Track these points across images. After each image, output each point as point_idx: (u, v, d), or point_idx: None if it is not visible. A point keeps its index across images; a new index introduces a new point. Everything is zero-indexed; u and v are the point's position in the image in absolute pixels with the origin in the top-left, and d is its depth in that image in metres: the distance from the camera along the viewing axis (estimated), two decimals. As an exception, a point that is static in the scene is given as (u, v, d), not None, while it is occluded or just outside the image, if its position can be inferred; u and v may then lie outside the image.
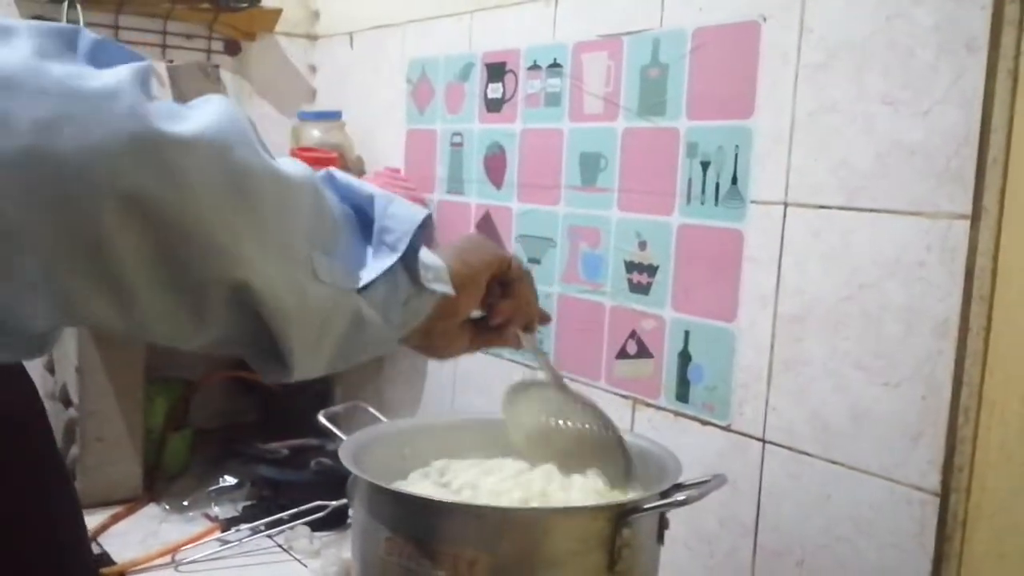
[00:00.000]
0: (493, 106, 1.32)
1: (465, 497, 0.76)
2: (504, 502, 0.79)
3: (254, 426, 1.56)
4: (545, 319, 0.83)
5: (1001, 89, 0.79)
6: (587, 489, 0.82)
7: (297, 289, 0.50)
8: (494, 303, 0.74)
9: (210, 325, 0.48)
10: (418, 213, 0.60)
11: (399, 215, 0.59)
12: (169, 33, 1.58)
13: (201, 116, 0.45)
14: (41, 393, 1.28)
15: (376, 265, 0.57)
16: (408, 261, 0.59)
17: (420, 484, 0.85)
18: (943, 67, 0.82)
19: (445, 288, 0.64)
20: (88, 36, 0.44)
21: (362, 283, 0.55)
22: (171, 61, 1.50)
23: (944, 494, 0.83)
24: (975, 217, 0.80)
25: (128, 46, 0.47)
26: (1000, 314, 0.80)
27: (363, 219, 0.59)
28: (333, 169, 0.60)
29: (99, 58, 0.44)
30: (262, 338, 0.50)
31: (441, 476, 0.86)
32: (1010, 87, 0.78)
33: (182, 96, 1.46)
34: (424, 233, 0.60)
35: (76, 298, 0.43)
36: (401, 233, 0.58)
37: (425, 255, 0.62)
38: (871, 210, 0.87)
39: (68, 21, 1.42)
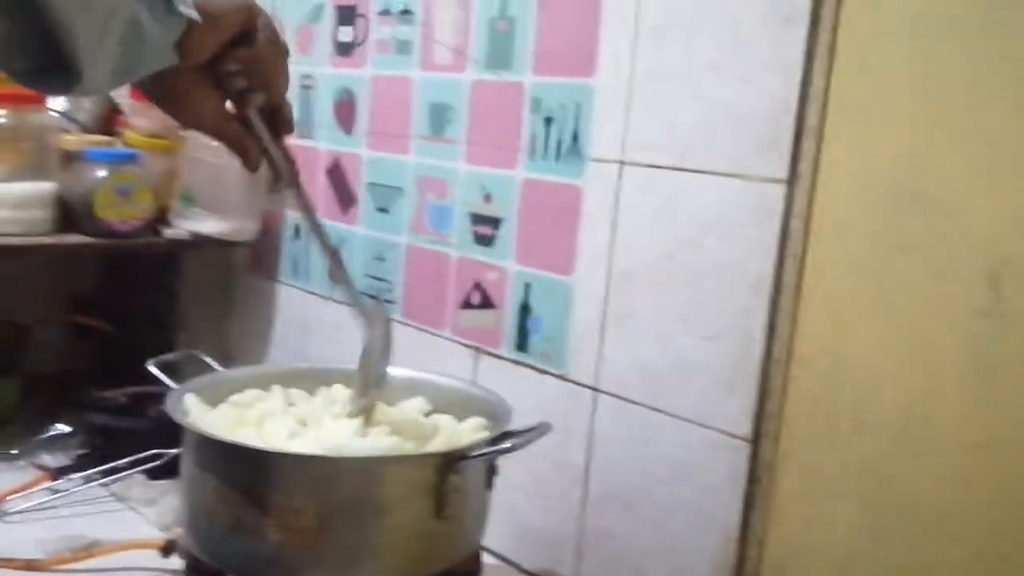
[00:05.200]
0: (343, 50, 1.30)
1: (290, 446, 0.77)
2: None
3: (91, 373, 1.51)
4: (286, 116, 0.75)
5: (819, 61, 0.83)
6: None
7: None
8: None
9: None
10: None
11: None
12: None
13: None
14: None
15: None
16: None
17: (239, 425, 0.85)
18: (766, 37, 0.86)
19: (191, 12, 0.62)
20: None
21: None
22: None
23: (755, 440, 0.89)
24: (791, 181, 0.85)
25: None
26: (810, 273, 0.86)
27: None
28: None
29: None
30: (39, 33, 0.48)
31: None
32: (827, 59, 0.83)
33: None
34: None
35: None
36: None
37: None
38: (696, 171, 0.91)
39: None
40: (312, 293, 1.39)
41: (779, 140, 0.85)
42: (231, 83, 0.70)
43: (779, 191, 0.86)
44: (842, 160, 0.83)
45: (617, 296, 0.99)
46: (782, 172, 0.85)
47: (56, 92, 0.54)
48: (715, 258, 0.90)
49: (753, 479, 0.90)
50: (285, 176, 0.75)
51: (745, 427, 0.89)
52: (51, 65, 0.51)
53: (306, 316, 1.41)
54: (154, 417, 1.23)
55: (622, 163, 0.98)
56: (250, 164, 0.73)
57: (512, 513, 1.09)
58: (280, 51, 0.72)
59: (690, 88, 0.91)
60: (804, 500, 0.87)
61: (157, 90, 0.67)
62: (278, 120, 0.74)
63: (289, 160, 0.76)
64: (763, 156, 0.87)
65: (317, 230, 0.79)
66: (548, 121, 1.05)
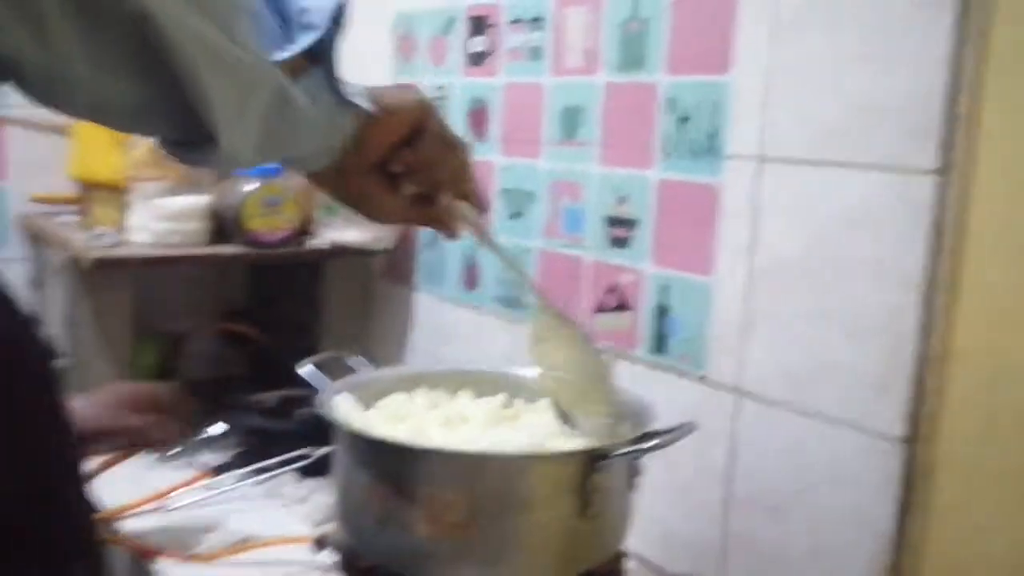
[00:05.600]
0: (476, 60, 1.33)
1: (439, 442, 0.79)
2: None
3: (243, 378, 1.58)
4: (480, 199, 0.73)
5: (971, 46, 0.80)
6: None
7: (213, 45, 0.49)
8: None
9: (123, 73, 0.46)
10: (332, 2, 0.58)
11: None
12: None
13: None
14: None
15: (299, 43, 0.56)
16: (326, 62, 0.57)
17: (394, 426, 0.87)
18: (914, 24, 0.83)
19: (366, 104, 0.61)
20: None
21: (285, 55, 0.54)
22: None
23: (910, 443, 0.86)
24: (943, 172, 0.82)
25: None
26: (968, 268, 0.82)
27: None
28: None
29: None
30: (182, 101, 0.48)
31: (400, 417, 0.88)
32: (980, 43, 0.79)
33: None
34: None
35: None
36: (319, 11, 0.57)
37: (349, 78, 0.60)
38: (841, 164, 0.89)
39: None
40: (446, 299, 1.42)
41: (929, 130, 0.82)
42: (401, 182, 0.69)
43: (930, 183, 0.82)
44: (999, 148, 0.79)
45: (759, 296, 0.97)
46: (933, 163, 0.82)
47: (201, 163, 0.54)
48: (863, 254, 0.88)
49: (908, 483, 0.86)
50: (485, 238, 0.75)
51: (899, 429, 0.86)
52: (195, 136, 0.51)
53: (441, 321, 1.44)
54: (303, 418, 1.28)
55: (761, 159, 0.96)
56: (449, 237, 0.74)
57: (654, 517, 1.08)
58: (451, 149, 0.70)
59: (832, 80, 0.89)
60: (966, 505, 0.83)
61: (339, 190, 0.68)
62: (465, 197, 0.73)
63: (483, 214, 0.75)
64: (912, 147, 0.83)
65: (520, 275, 0.81)
66: (683, 120, 1.04)
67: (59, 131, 1.46)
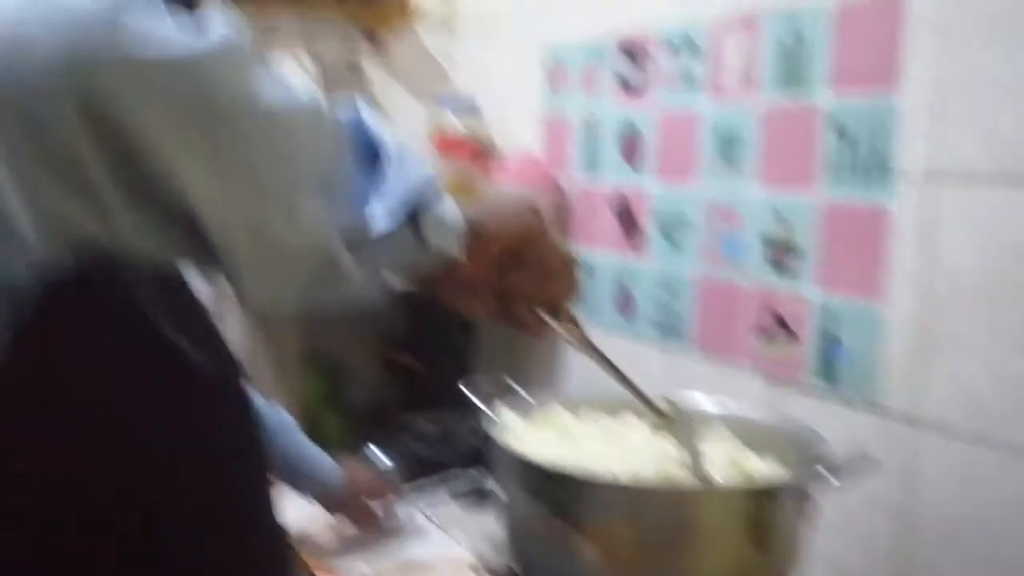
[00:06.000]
0: (628, 87, 1.33)
1: (612, 475, 0.78)
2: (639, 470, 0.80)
3: (402, 403, 1.63)
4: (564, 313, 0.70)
5: None
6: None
7: (258, 228, 0.50)
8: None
9: (175, 244, 0.49)
10: (420, 178, 0.57)
11: (406, 173, 0.57)
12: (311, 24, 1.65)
13: (193, 41, 0.45)
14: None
15: (370, 226, 0.55)
16: (413, 223, 0.57)
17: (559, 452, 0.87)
18: (1108, 29, 0.78)
19: (450, 251, 0.60)
20: None
21: (349, 231, 0.54)
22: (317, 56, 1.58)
23: (1111, 478, 0.80)
24: None
25: None
26: None
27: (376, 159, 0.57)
28: (361, 105, 0.58)
29: None
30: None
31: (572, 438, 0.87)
32: None
33: (328, 90, 1.54)
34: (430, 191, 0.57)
35: (48, 200, 0.44)
36: (401, 189, 0.56)
37: (446, 209, 0.59)
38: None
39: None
40: (600, 326, 1.42)
41: None
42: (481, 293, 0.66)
43: None
44: None
45: (937, 321, 0.93)
46: None
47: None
48: (1053, 276, 0.82)
49: (1110, 522, 0.80)
50: (575, 343, 0.73)
51: (1098, 463, 0.80)
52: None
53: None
54: (463, 445, 1.30)
55: (935, 178, 0.92)
56: (535, 337, 0.71)
57: (825, 554, 1.03)
58: (541, 279, 0.66)
59: (1010, 93, 0.85)
60: None
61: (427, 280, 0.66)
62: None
63: (574, 327, 0.72)
64: (1108, 161, 0.78)
65: (610, 369, 0.79)
66: (848, 140, 1.01)
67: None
